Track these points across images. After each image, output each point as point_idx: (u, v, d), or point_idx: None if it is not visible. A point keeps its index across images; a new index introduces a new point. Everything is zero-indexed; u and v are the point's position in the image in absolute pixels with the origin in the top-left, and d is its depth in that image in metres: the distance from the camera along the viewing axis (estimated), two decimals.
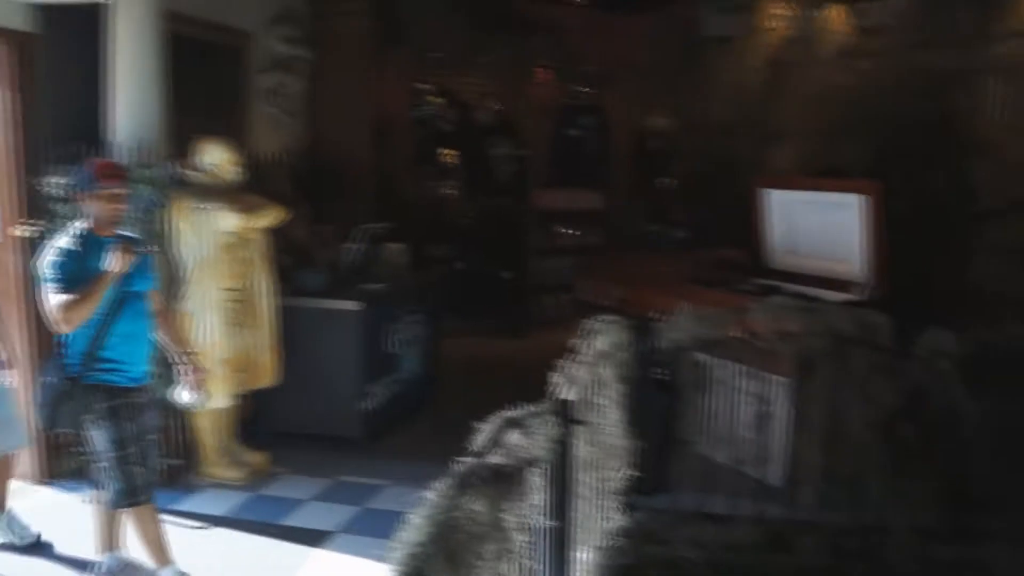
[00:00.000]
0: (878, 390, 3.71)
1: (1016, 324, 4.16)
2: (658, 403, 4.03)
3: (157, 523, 3.60)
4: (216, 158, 4.67)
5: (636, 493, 3.71)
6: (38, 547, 4.04)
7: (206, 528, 4.27)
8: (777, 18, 7.33)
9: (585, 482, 2.96)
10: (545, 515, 2.47)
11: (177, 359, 3.76)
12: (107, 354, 3.40)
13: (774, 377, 4.38)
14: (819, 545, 3.59)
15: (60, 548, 4.05)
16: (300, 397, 5.22)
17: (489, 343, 8.24)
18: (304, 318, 5.23)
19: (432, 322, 6.35)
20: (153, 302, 3.64)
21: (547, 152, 9.35)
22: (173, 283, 4.49)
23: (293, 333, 5.10)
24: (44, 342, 4.25)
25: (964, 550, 3.50)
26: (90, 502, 3.80)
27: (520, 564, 2.11)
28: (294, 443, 5.25)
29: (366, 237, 5.91)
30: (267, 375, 4.94)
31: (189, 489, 4.67)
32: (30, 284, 4.24)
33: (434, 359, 6.47)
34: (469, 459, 1.99)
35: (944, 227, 6.01)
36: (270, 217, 4.78)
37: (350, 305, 5.32)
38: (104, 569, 3.68)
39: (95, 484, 3.64)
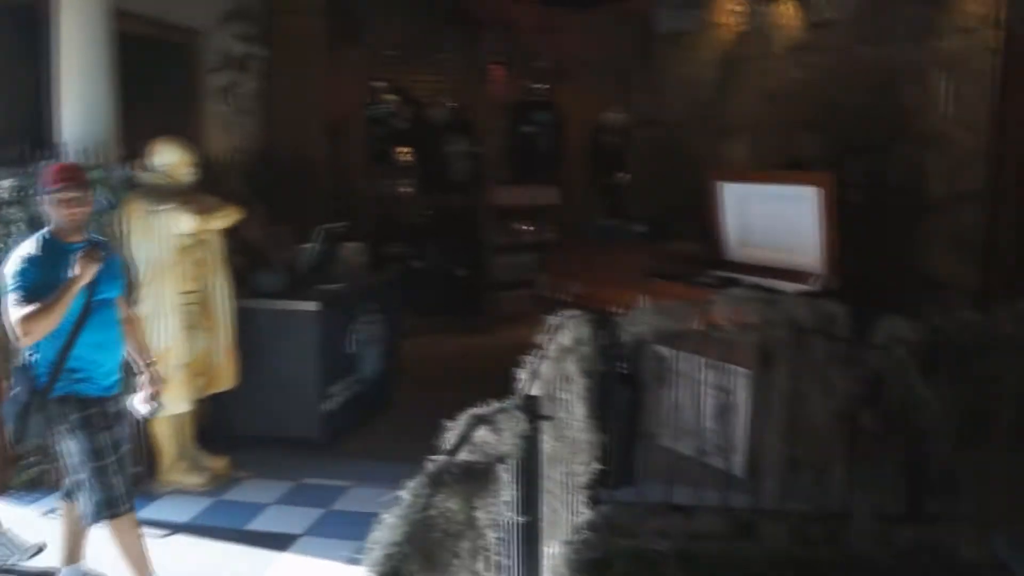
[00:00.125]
0: (837, 379, 3.77)
1: (968, 310, 4.24)
2: (621, 397, 4.05)
3: (138, 534, 3.49)
4: (169, 159, 4.59)
5: (602, 487, 3.74)
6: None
7: (168, 536, 4.20)
8: (729, 13, 7.40)
9: (552, 477, 2.97)
10: (515, 511, 2.46)
11: (138, 368, 3.67)
12: (77, 364, 3.30)
13: (735, 368, 4.44)
14: (784, 532, 3.64)
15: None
16: (260, 400, 5.16)
17: (448, 341, 8.23)
18: (262, 320, 5.17)
19: (391, 321, 6.32)
20: (121, 309, 3.56)
21: (502, 149, 9.35)
22: (128, 287, 4.40)
23: (251, 335, 5.04)
24: (10, 353, 4.13)
25: (925, 533, 3.57)
26: (54, 514, 3.71)
27: (493, 561, 2.10)
28: (255, 446, 5.18)
29: (323, 237, 5.85)
30: (226, 378, 4.88)
31: (149, 496, 4.59)
32: None
33: (394, 358, 6.44)
34: (440, 457, 1.98)
35: (896, 217, 6.12)
36: (226, 218, 4.72)
37: (308, 306, 5.27)
38: None
39: (65, 496, 3.55)
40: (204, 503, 4.58)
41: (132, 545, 3.44)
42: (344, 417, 5.57)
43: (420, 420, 5.93)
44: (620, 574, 3.38)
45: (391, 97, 8.46)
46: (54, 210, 3.32)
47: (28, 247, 3.28)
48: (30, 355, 3.30)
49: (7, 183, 4.13)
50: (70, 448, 3.33)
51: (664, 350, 4.13)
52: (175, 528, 4.28)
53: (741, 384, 4.50)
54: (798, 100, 6.82)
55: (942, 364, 3.68)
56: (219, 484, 4.78)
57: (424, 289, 8.29)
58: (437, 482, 1.80)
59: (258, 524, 4.37)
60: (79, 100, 4.33)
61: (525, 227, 9.46)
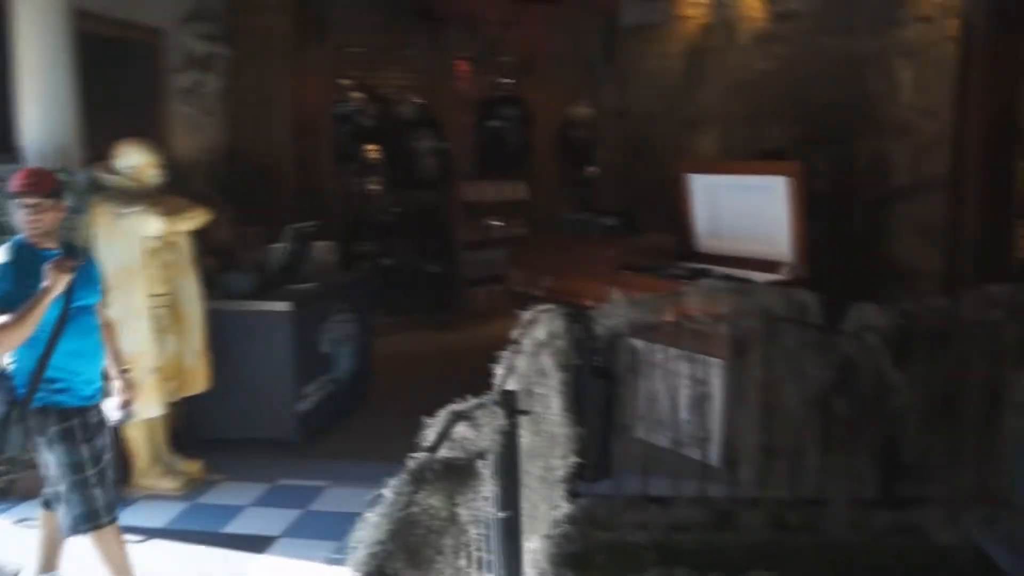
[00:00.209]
0: (810, 366, 3.81)
1: (936, 296, 4.31)
2: (597, 390, 4.06)
3: (121, 545, 3.40)
4: (135, 161, 4.53)
5: (580, 480, 3.75)
6: None
7: (144, 541, 4.15)
8: (694, 5, 7.44)
9: (530, 472, 2.97)
10: (495, 506, 2.47)
11: (113, 374, 3.58)
12: (55, 373, 3.21)
13: (709, 359, 4.46)
14: (761, 520, 3.68)
15: None
16: (234, 402, 5.12)
17: (420, 338, 8.21)
18: (234, 321, 5.12)
19: (363, 320, 6.29)
20: (100, 315, 3.47)
21: (470, 144, 9.33)
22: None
23: (223, 337, 4.99)
24: None
25: (899, 516, 3.62)
26: (27, 523, 3.64)
27: (475, 556, 2.10)
28: (230, 449, 5.14)
29: (292, 236, 5.81)
30: (198, 381, 4.83)
31: (124, 501, 4.52)
32: None
33: (366, 357, 6.41)
34: (421, 454, 1.97)
35: (863, 205, 6.20)
36: (194, 220, 4.67)
37: (280, 306, 5.23)
38: None
39: (44, 504, 3.49)
40: (179, 507, 4.54)
41: (114, 556, 3.36)
42: (318, 417, 5.54)
43: (395, 418, 5.91)
44: (600, 567, 3.39)
45: (358, 95, 8.41)
46: (21, 216, 3.24)
47: (1, 254, 3.19)
48: (8, 365, 3.22)
49: None
50: (49, 460, 3.25)
51: (638, 342, 4.14)
52: (150, 533, 4.23)
53: (715, 374, 4.54)
54: (764, 91, 6.88)
55: (912, 349, 3.73)
56: (194, 488, 4.74)
57: (395, 287, 8.27)
58: (419, 479, 1.80)
59: (235, 527, 4.33)
60: (40, 102, 4.27)
61: (494, 222, 9.46)
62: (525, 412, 2.83)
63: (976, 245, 5.75)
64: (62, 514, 3.30)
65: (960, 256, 5.77)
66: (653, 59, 7.80)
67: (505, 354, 2.95)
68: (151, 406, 4.49)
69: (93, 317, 3.40)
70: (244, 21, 6.45)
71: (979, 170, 5.75)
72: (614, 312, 3.95)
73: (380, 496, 1.74)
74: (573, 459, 3.42)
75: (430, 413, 2.16)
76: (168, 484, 4.67)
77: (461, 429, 2.23)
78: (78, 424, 3.25)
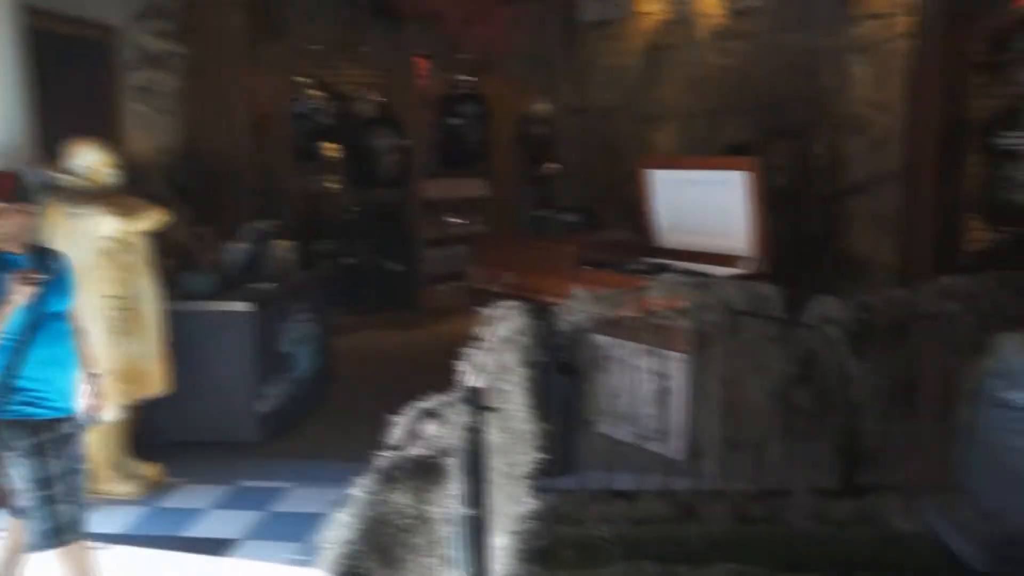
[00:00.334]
0: (771, 359, 3.86)
1: (893, 288, 4.39)
2: (561, 386, 4.07)
3: (88, 561, 3.27)
4: (90, 160, 4.45)
5: (545, 475, 3.75)
6: None
7: (103, 548, 4.07)
8: (653, 2, 7.48)
9: (496, 468, 2.97)
10: (463, 503, 2.46)
11: (82, 379, 3.43)
12: (25, 384, 3.08)
13: (672, 353, 4.50)
14: (725, 512, 3.71)
15: None
16: (193, 404, 5.04)
17: (382, 336, 8.17)
18: (193, 322, 5.06)
19: (323, 319, 6.25)
20: (72, 321, 3.33)
21: (430, 142, 9.31)
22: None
23: (182, 338, 4.92)
24: None
25: (859, 505, 3.68)
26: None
27: (444, 554, 2.10)
28: (189, 451, 5.07)
29: (252, 236, 5.75)
30: (157, 383, 4.75)
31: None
32: None
33: (328, 356, 6.37)
34: (390, 452, 1.96)
35: (819, 199, 6.28)
36: (151, 220, 4.60)
37: (239, 306, 5.18)
38: None
39: (16, 513, 3.36)
40: (138, 512, 4.47)
41: (80, 573, 3.22)
42: (279, 418, 5.49)
43: (356, 418, 5.90)
44: (566, 562, 3.39)
45: (316, 93, 8.35)
46: None
47: None
48: None
49: None
50: (16, 474, 3.11)
51: (601, 338, 4.16)
52: (109, 539, 4.15)
53: (678, 368, 4.57)
54: (722, 87, 6.94)
55: (871, 341, 3.79)
56: (153, 492, 4.66)
57: (356, 285, 8.23)
58: (389, 478, 1.79)
59: (195, 530, 4.28)
60: None
61: (454, 220, 9.45)
62: (492, 409, 2.83)
63: (929, 238, 5.86)
64: (28, 529, 3.18)
65: (914, 249, 5.88)
66: (612, 55, 7.84)
67: (470, 351, 2.94)
68: (109, 410, 4.41)
69: (65, 323, 3.27)
70: (199, 18, 6.36)
71: (931, 164, 5.86)
72: (577, 308, 3.96)
73: (349, 495, 1.73)
74: (538, 455, 3.43)
75: (391, 412, 2.14)
76: (126, 489, 4.60)
77: (429, 426, 2.22)
78: (49, 439, 3.11)
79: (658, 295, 4.07)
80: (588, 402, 4.12)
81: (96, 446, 4.54)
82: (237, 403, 5.21)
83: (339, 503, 1.72)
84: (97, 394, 3.46)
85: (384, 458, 1.89)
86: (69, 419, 3.23)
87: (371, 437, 2.04)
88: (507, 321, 3.44)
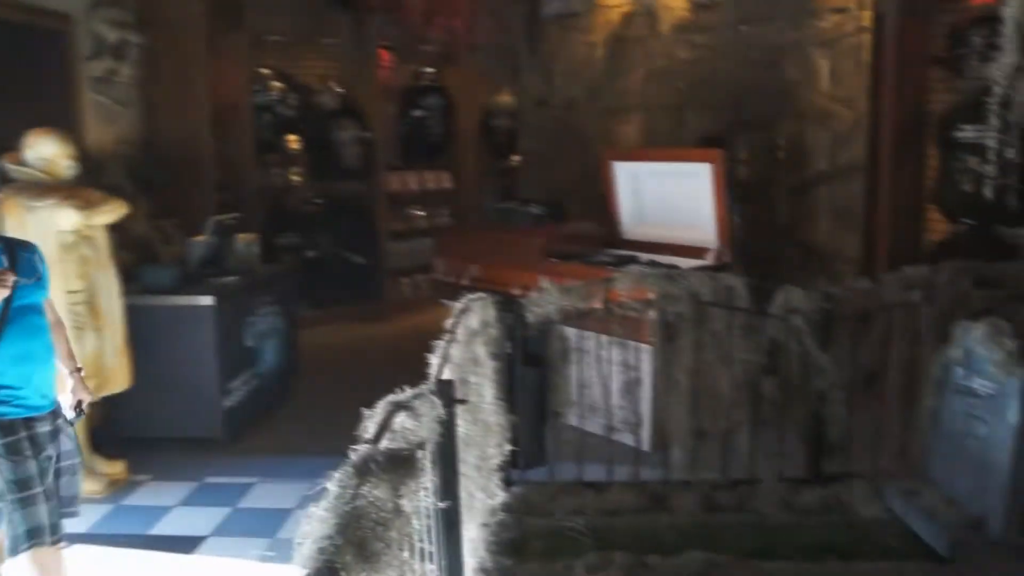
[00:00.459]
0: (738, 349, 3.89)
1: (857, 278, 4.44)
2: (530, 378, 4.07)
3: (59, 566, 3.14)
4: (47, 151, 4.36)
5: (514, 468, 3.76)
6: None
7: (66, 547, 4.00)
8: None
9: (467, 461, 2.96)
10: (436, 496, 2.45)
11: (65, 373, 3.33)
12: (1, 380, 2.94)
13: (639, 344, 4.52)
14: (694, 502, 3.74)
15: None
16: (157, 399, 4.98)
17: (347, 329, 8.13)
18: (155, 317, 5.00)
19: (287, 313, 6.20)
20: (48, 314, 3.19)
21: (393, 134, 9.26)
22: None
23: (144, 333, 4.85)
24: None
25: (825, 492, 3.72)
26: None
27: (417, 547, 2.08)
28: (154, 448, 5.01)
29: (214, 229, 5.68)
30: (119, 379, 4.68)
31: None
32: None
33: (292, 350, 6.32)
34: (363, 445, 1.94)
35: (784, 191, 6.35)
36: (110, 213, 4.52)
37: (202, 300, 5.13)
38: None
39: None
40: (102, 510, 4.40)
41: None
42: (245, 413, 5.44)
43: (322, 412, 5.87)
44: (537, 553, 3.39)
45: (278, 84, 8.26)
46: None
47: None
48: None
49: None
50: None
51: (569, 330, 4.16)
52: (73, 539, 4.07)
53: (645, 360, 4.59)
54: (686, 79, 6.98)
55: (835, 331, 3.83)
56: (117, 489, 4.61)
57: (319, 278, 8.17)
58: (363, 471, 1.77)
59: (162, 528, 4.23)
60: None
61: (419, 212, 9.42)
62: (462, 401, 2.82)
63: (891, 229, 5.94)
64: (3, 531, 3.03)
65: (876, 239, 5.96)
66: (576, 48, 7.84)
67: (439, 343, 2.93)
68: (69, 407, 4.33)
69: (41, 316, 3.11)
70: (157, 7, 6.25)
71: (893, 156, 5.94)
72: (544, 300, 3.96)
73: (324, 489, 1.71)
74: (508, 447, 3.43)
75: (356, 406, 2.12)
76: (89, 487, 4.51)
77: (401, 420, 2.21)
78: (26, 437, 2.96)
79: (625, 287, 4.07)
80: (556, 394, 4.12)
81: None
82: (201, 398, 5.15)
83: (310, 498, 1.70)
84: (80, 388, 3.34)
85: (358, 451, 1.87)
86: (48, 416, 3.09)
87: (336, 431, 2.01)
88: (475, 313, 3.43)
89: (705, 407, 3.97)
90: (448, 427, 2.60)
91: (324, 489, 1.71)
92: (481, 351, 3.38)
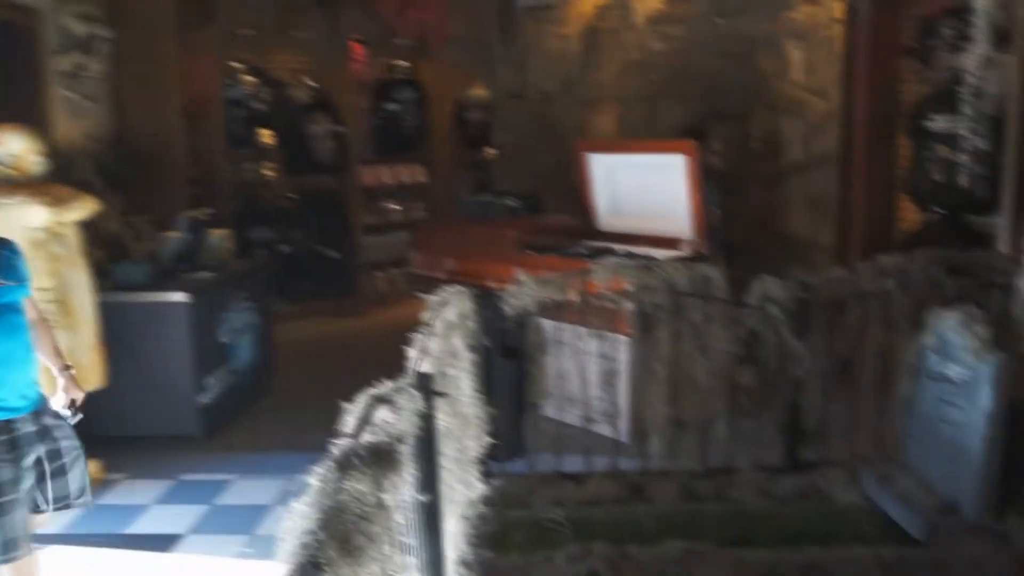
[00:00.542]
0: (715, 339, 3.90)
1: (833, 268, 4.47)
2: (508, 370, 4.07)
3: (33, 567, 3.09)
4: (16, 148, 4.31)
5: (494, 460, 3.75)
6: None
7: (41, 549, 3.96)
8: None
9: (446, 454, 2.95)
10: (416, 489, 2.44)
11: (54, 372, 3.27)
12: None
13: (616, 336, 4.53)
14: (673, 491, 3.75)
15: None
16: (131, 397, 4.94)
17: (322, 324, 8.10)
18: (128, 314, 4.95)
19: (262, 308, 6.16)
20: (28, 312, 3.11)
21: (367, 128, 9.21)
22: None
23: (117, 331, 4.80)
24: None
25: (803, 480, 3.75)
26: None
27: (399, 541, 2.08)
28: (129, 446, 4.96)
29: (186, 225, 5.63)
30: (92, 377, 4.61)
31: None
32: None
33: (268, 346, 6.28)
34: (344, 440, 1.93)
35: (759, 181, 6.38)
36: (81, 209, 4.48)
37: (176, 297, 5.09)
38: None
39: None
40: (77, 510, 4.34)
41: None
42: (220, 409, 5.41)
43: (298, 407, 5.85)
44: (518, 544, 3.39)
45: (250, 78, 8.19)
46: None
47: None
48: None
49: None
50: None
51: (547, 322, 4.16)
52: (48, 540, 4.03)
53: (623, 351, 4.60)
54: (660, 71, 6.99)
55: (811, 319, 3.86)
56: (92, 489, 4.52)
57: (294, 273, 8.13)
58: (345, 466, 1.76)
59: (138, 526, 4.19)
60: None
61: (393, 206, 9.38)
62: (442, 394, 2.81)
63: (864, 218, 5.99)
64: None
65: (850, 229, 6.01)
66: (550, 40, 7.83)
67: (416, 336, 2.92)
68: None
69: (19, 315, 3.02)
70: (126, 1, 6.17)
71: (865, 146, 5.99)
72: (521, 292, 3.96)
73: (305, 485, 1.70)
74: (486, 439, 3.42)
75: (332, 401, 2.11)
76: None
77: (381, 413, 2.20)
78: (5, 440, 2.90)
79: (602, 278, 4.08)
80: (535, 386, 4.12)
81: None
82: (176, 396, 5.12)
83: (288, 494, 1.69)
84: (72, 387, 3.26)
85: (339, 445, 1.86)
86: (29, 417, 3.00)
87: (313, 427, 1.99)
88: (452, 306, 3.42)
89: (683, 397, 3.98)
90: (428, 420, 2.60)
91: (304, 484, 1.70)
92: (459, 344, 3.37)
